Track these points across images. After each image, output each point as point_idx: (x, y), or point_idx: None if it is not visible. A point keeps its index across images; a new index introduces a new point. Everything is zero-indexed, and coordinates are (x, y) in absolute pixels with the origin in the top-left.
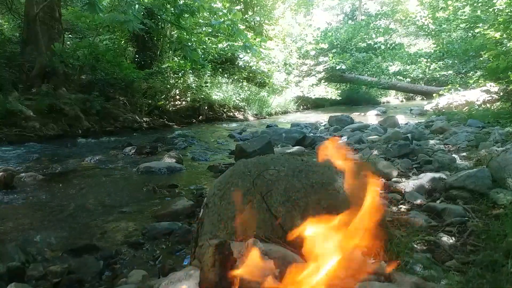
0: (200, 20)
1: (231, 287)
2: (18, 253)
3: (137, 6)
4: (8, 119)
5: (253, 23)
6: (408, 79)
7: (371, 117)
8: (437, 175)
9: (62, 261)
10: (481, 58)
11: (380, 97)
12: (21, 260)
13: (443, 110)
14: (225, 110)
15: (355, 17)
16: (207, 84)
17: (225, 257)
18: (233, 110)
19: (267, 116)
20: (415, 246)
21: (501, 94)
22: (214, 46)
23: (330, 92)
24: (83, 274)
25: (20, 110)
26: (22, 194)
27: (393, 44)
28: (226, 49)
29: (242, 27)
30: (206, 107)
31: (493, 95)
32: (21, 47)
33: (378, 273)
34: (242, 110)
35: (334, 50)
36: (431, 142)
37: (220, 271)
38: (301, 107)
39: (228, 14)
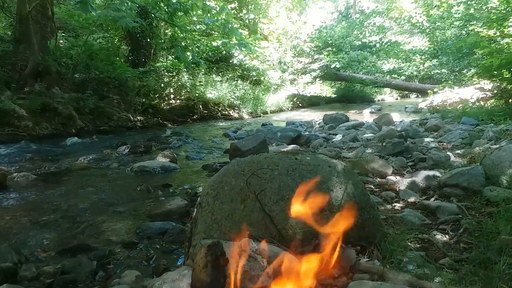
0: (194, 18)
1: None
2: (11, 254)
3: (129, 3)
4: (1, 119)
5: (247, 21)
6: (403, 77)
7: (366, 115)
8: (431, 172)
9: (55, 261)
10: (475, 56)
11: (375, 95)
12: (14, 260)
13: (438, 107)
14: (219, 108)
15: (349, 15)
16: (201, 83)
17: (217, 258)
18: (227, 109)
19: (262, 115)
20: (409, 244)
21: (495, 91)
22: (208, 44)
23: (325, 90)
24: (77, 274)
25: (13, 109)
26: (14, 194)
27: (388, 43)
28: (220, 47)
29: (236, 25)
30: (200, 106)
31: (487, 93)
32: (13, 46)
33: (371, 271)
34: (237, 108)
35: (328, 49)
36: (426, 139)
37: (212, 272)
38: (296, 105)
39: (220, 13)
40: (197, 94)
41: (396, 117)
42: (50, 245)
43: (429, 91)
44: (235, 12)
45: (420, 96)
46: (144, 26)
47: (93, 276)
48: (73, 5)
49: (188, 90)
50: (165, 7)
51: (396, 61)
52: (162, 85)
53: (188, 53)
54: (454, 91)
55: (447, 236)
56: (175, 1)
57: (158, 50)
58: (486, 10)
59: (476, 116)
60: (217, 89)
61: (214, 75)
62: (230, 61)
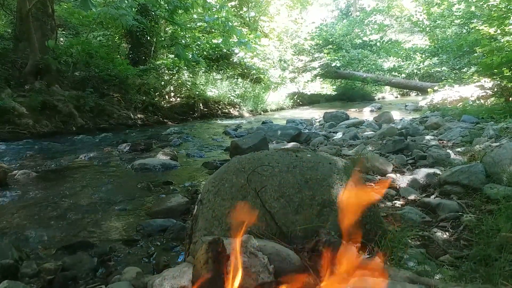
0: (194, 16)
1: (224, 284)
2: (12, 251)
3: (129, 0)
4: (1, 116)
5: (247, 18)
6: (403, 75)
7: (366, 113)
8: (431, 170)
9: (56, 258)
10: (475, 54)
11: (375, 93)
12: (15, 257)
13: (438, 105)
14: (220, 106)
15: (350, 13)
16: (202, 83)
17: (218, 255)
18: (228, 107)
19: (262, 113)
20: (409, 241)
21: (495, 89)
22: (208, 42)
23: (326, 88)
24: (77, 271)
25: (13, 107)
26: (15, 191)
27: (389, 41)
28: (221, 45)
29: (236, 23)
30: (201, 104)
31: (487, 91)
32: (13, 44)
33: (372, 268)
34: (237, 106)
35: (329, 47)
36: (426, 137)
37: (213, 268)
38: (297, 103)
39: (221, 10)
40: (197, 92)
41: (396, 115)
42: (51, 242)
43: (429, 89)
44: (235, 10)
45: (420, 94)
46: (144, 24)
47: (93, 273)
48: (73, 1)
49: (189, 88)
50: (165, 5)
51: (396, 59)
52: (163, 83)
53: (188, 52)
54: (454, 89)
55: (447, 234)
56: None
57: (158, 48)
58: (486, 8)
59: (476, 114)
60: (218, 87)
61: (214, 73)
62: (231, 59)
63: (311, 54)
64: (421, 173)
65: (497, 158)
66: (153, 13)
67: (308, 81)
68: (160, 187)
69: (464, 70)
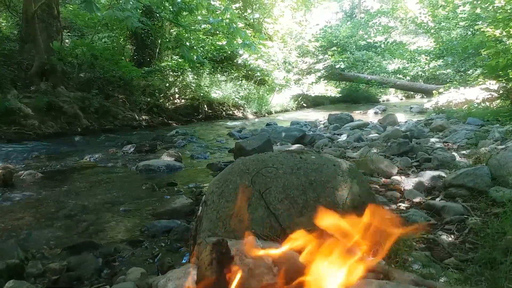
0: (199, 17)
1: (228, 285)
2: (17, 251)
3: (133, 1)
4: (7, 117)
5: (252, 20)
6: (408, 77)
7: (370, 115)
8: (436, 173)
9: (61, 258)
10: (481, 56)
11: (380, 95)
12: (20, 257)
13: (443, 108)
14: (224, 108)
15: (354, 15)
16: (206, 84)
17: (222, 256)
18: (232, 108)
19: (266, 114)
20: (414, 244)
21: (501, 92)
22: (213, 44)
23: (330, 90)
24: (82, 272)
25: (19, 108)
26: (21, 192)
27: (393, 43)
28: (225, 47)
29: (241, 25)
30: (205, 105)
31: (492, 93)
32: (19, 45)
33: (377, 270)
34: (242, 108)
35: (333, 48)
36: (431, 140)
37: (217, 269)
38: (301, 105)
39: (225, 12)
40: (201, 94)
41: (401, 117)
42: (56, 242)
43: (434, 91)
44: (240, 12)
45: (425, 96)
46: (149, 25)
47: (98, 273)
48: (79, 4)
49: (193, 90)
50: (170, 7)
51: (401, 61)
52: (167, 84)
53: (192, 53)
54: (459, 92)
55: (452, 236)
56: (179, 0)
57: (163, 49)
58: (492, 9)
59: (482, 117)
60: (222, 89)
61: (218, 74)
62: (235, 60)
63: (315, 56)
64: (426, 176)
65: (502, 160)
66: (157, 14)
67: (312, 83)
68: (165, 188)
69: (469, 72)
